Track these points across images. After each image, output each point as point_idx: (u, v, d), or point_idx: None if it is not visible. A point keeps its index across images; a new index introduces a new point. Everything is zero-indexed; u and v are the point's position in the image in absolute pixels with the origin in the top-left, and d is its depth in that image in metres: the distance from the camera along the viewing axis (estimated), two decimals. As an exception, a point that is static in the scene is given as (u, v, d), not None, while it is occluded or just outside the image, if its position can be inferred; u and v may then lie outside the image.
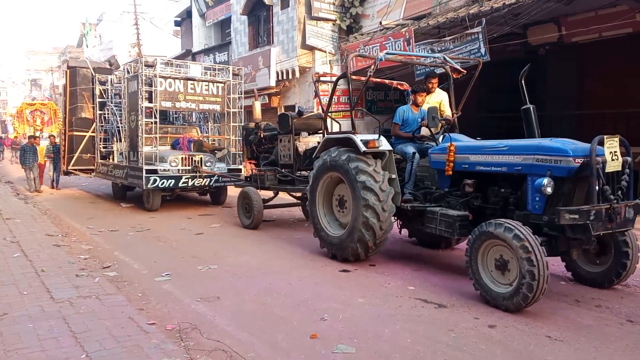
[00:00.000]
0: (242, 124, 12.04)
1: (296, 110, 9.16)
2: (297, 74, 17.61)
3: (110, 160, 13.42)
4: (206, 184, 11.24)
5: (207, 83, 12.07)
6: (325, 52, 17.08)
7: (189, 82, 11.72)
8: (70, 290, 5.37)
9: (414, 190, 6.44)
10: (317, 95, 8.56)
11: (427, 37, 13.17)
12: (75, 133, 14.08)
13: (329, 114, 7.84)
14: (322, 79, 10.05)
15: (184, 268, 6.52)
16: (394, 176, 6.32)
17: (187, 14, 27.40)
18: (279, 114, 9.33)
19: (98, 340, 4.05)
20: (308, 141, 9.03)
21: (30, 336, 4.15)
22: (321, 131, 8.65)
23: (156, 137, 11.13)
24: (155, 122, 11.12)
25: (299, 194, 9.39)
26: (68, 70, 14.72)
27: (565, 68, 13.05)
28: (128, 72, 12.07)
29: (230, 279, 5.99)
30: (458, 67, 7.02)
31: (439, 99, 7.36)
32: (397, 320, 4.59)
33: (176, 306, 5.03)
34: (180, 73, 11.81)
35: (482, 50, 11.34)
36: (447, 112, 7.24)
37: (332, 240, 6.68)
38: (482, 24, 11.20)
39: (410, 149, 6.51)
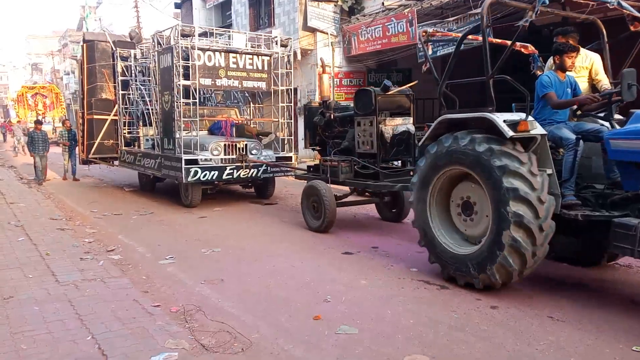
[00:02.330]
0: (306, 102, 10.09)
1: (382, 84, 7.36)
2: (299, 57, 17.48)
3: (138, 148, 11.78)
4: (253, 175, 9.72)
5: (251, 56, 10.27)
6: (327, 33, 16.92)
7: (231, 55, 10.00)
8: (75, 274, 5.41)
9: (576, 190, 4.66)
10: (427, 59, 6.00)
11: (430, 18, 13.02)
12: (95, 116, 12.53)
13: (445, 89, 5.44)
14: (433, 38, 6.94)
15: (188, 251, 6.55)
16: (550, 171, 4.58)
17: (188, -4, 27.08)
18: (358, 89, 7.69)
19: (103, 323, 4.09)
20: (396, 124, 7.29)
21: (36, 318, 4.19)
22: (406, 112, 7.51)
23: (195, 121, 9.59)
24: (194, 103, 9.49)
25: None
26: (85, 45, 12.98)
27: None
28: (159, 43, 10.18)
29: (233, 262, 6.02)
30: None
31: (587, 62, 5.49)
32: (399, 301, 4.62)
33: (180, 289, 5.07)
34: (218, 44, 10.26)
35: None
36: (604, 81, 5.44)
37: (450, 257, 5.01)
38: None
39: (567, 132, 4.71)
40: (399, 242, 6.87)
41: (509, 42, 5.14)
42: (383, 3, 15.10)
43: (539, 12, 4.63)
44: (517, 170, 4.39)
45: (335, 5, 17.16)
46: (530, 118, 4.58)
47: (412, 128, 7.36)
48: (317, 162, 8.54)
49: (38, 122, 14.92)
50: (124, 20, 39.17)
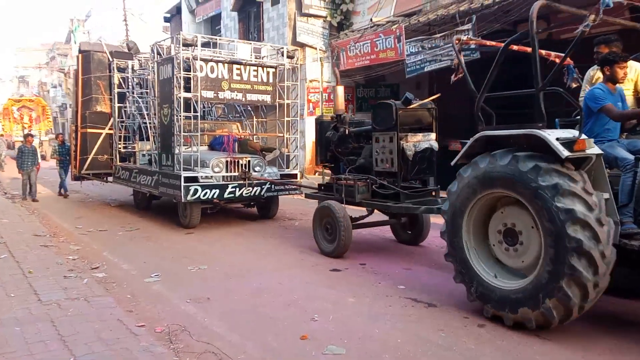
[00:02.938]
0: (317, 116, 9.30)
1: (402, 97, 6.72)
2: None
3: (134, 164, 11.18)
4: (257, 193, 9.17)
5: (255, 67, 9.74)
6: (315, 48, 17.02)
7: (235, 66, 9.47)
8: (59, 292, 5.30)
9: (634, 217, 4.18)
10: (461, 66, 5.36)
11: (418, 34, 13.17)
12: (89, 130, 11.86)
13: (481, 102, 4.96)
14: (466, 45, 6.83)
15: (174, 268, 6.48)
16: (607, 195, 4.13)
17: (177, 10, 27.19)
18: (376, 103, 7.01)
19: (86, 344, 4.00)
20: (417, 140, 6.74)
21: (17, 340, 4.09)
22: (428, 127, 6.95)
23: (196, 136, 9.10)
24: (195, 117, 8.91)
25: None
26: (80, 55, 12.37)
27: (555, 64, 13.07)
28: (159, 53, 9.57)
29: (220, 279, 5.96)
30: None
31: (633, 74, 5.10)
32: (387, 319, 4.60)
33: (166, 307, 5.00)
34: (221, 55, 9.72)
35: (473, 47, 11.35)
36: None
37: (494, 293, 4.41)
38: (473, 21, 11.21)
39: (623, 152, 4.30)
40: (388, 259, 6.85)
41: (543, 52, 4.84)
42: (371, 19, 15.24)
43: (601, 17, 4.20)
44: (571, 189, 3.89)
45: (324, 21, 17.30)
46: (583, 136, 4.11)
47: (435, 145, 6.83)
48: (328, 179, 8.18)
49: (29, 136, 14.03)
50: (112, 33, 39.14)
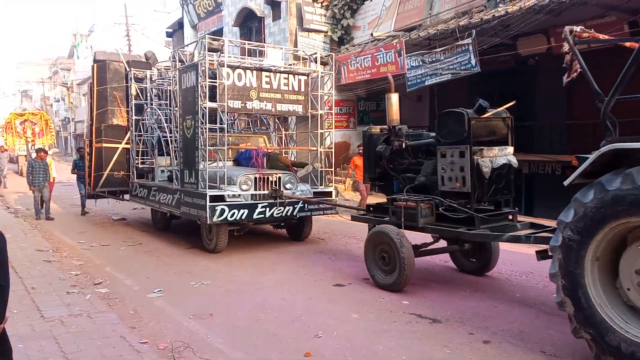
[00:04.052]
0: (365, 128, 7.76)
1: (476, 104, 5.74)
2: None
3: (152, 180, 10.29)
4: (289, 213, 8.25)
5: (286, 75, 8.89)
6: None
7: (264, 73, 8.62)
8: (61, 309, 5.30)
9: None
10: (580, 65, 4.44)
11: (418, 49, 13.27)
12: (104, 145, 11.13)
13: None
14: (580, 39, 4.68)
15: (177, 284, 6.46)
16: None
17: (179, 25, 27.45)
18: (442, 112, 6.09)
19: (89, 361, 4.00)
20: (494, 155, 5.73)
21: (20, 357, 4.08)
22: (503, 139, 6.00)
23: (221, 150, 8.15)
24: (222, 129, 8.10)
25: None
26: (95, 65, 11.62)
27: (555, 78, 13.13)
28: (180, 60, 8.81)
29: (223, 295, 5.95)
30: None
31: None
32: (391, 336, 4.57)
33: (168, 324, 4.98)
34: (249, 61, 8.82)
35: (473, 61, 11.44)
36: None
37: (634, 348, 3.49)
38: (472, 35, 11.30)
39: None
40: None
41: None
42: (372, 34, 15.37)
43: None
44: None
45: (325, 36, 17.46)
46: None
47: (514, 160, 5.88)
48: (379, 200, 7.26)
49: (41, 151, 13.09)
50: (115, 48, 39.43)
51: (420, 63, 12.92)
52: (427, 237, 6.44)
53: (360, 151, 11.24)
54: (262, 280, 6.54)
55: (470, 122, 5.61)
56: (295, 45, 17.17)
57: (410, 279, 5.84)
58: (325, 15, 17.43)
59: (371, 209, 6.90)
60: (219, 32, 22.81)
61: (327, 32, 17.40)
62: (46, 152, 13.23)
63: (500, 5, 11.50)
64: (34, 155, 14.90)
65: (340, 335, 4.61)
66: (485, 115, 5.80)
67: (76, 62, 48.53)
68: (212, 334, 4.70)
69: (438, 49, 12.41)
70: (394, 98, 6.75)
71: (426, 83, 12.97)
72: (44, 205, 12.33)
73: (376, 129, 7.36)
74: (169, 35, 29.73)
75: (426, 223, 5.86)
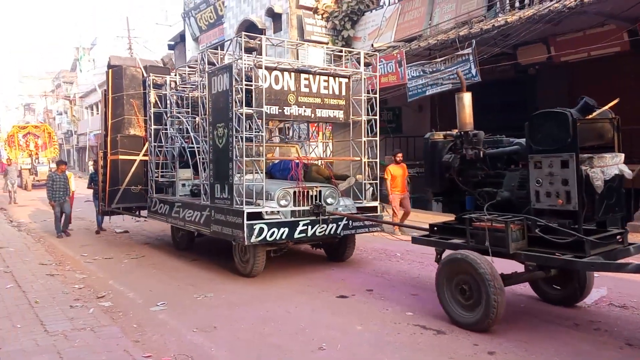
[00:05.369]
0: (428, 134, 6.49)
1: (580, 103, 4.88)
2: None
3: (174, 195, 9.36)
4: (332, 231, 7.36)
5: (326, 77, 8.03)
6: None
7: (303, 75, 7.80)
8: (65, 323, 5.29)
9: None
10: None
11: (419, 59, 13.34)
12: (121, 157, 10.34)
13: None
14: None
15: (180, 296, 6.46)
16: None
17: (181, 38, 27.64)
18: (536, 112, 5.00)
19: (93, 376, 3.99)
20: (605, 165, 4.78)
21: (23, 373, 4.08)
22: (609, 144, 5.07)
23: (259, 162, 7.34)
24: (258, 138, 7.34)
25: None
26: (110, 71, 10.91)
27: (555, 87, 13.22)
28: (210, 63, 8.06)
29: (226, 307, 5.94)
30: None
31: None
32: (396, 348, 4.56)
33: (172, 337, 4.97)
34: (285, 62, 7.99)
35: (473, 71, 11.49)
36: None
37: None
38: (473, 45, 11.37)
39: None
40: (394, 285, 6.81)
41: None
42: (372, 45, 15.45)
43: None
44: None
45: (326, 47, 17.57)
46: None
47: (626, 170, 4.95)
48: (446, 219, 6.46)
49: (61, 163, 12.26)
50: (130, 53, 39.71)
51: (421, 73, 12.98)
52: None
53: (397, 159, 10.90)
54: (265, 292, 6.53)
55: (576, 125, 4.62)
56: (297, 57, 17.28)
57: (500, 316, 4.75)
58: (325, 27, 17.56)
59: (435, 229, 5.91)
60: (220, 46, 22.97)
61: (327, 43, 17.50)
62: (65, 164, 12.60)
63: (499, 15, 11.58)
64: (37, 166, 14.10)
65: (344, 347, 4.60)
66: (591, 116, 4.88)
67: (79, 75, 48.87)
68: (215, 346, 4.69)
69: (438, 59, 12.49)
70: (467, 98, 5.69)
71: (427, 93, 13.03)
72: (64, 220, 11.79)
73: (439, 135, 6.30)
74: (170, 47, 29.92)
75: (518, 248, 4.83)
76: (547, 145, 4.78)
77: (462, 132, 5.73)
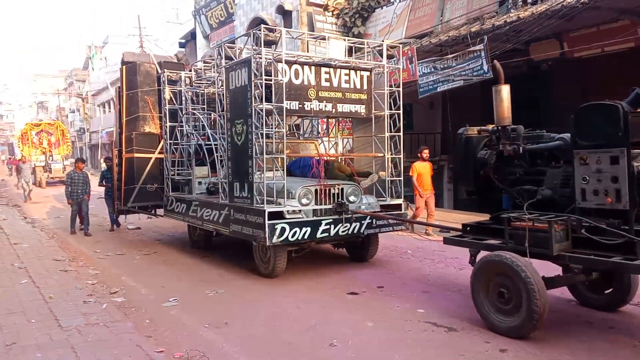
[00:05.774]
0: (461, 130, 6.11)
1: (631, 95, 4.63)
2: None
3: (190, 194, 9.18)
4: (355, 230, 7.13)
5: (347, 71, 7.69)
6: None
7: (323, 69, 7.48)
8: (78, 318, 5.36)
9: None
10: None
11: (430, 55, 13.25)
12: (136, 155, 10.19)
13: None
14: None
15: (192, 293, 6.50)
16: None
17: (192, 36, 27.74)
18: (582, 105, 4.73)
19: (106, 370, 4.03)
20: None
21: (38, 367, 4.14)
22: None
23: (278, 159, 7.00)
24: (278, 135, 7.17)
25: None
26: (124, 67, 10.73)
27: (568, 83, 13.07)
28: (227, 57, 7.77)
29: (238, 304, 5.97)
30: None
31: None
32: (407, 345, 4.55)
33: (184, 333, 5.01)
34: (302, 55, 7.73)
35: (485, 67, 11.39)
36: None
37: None
38: (484, 41, 11.26)
39: None
40: (405, 282, 6.80)
41: None
42: (383, 41, 15.39)
43: None
44: None
45: (336, 44, 17.51)
46: None
47: None
48: (479, 219, 6.13)
49: (80, 160, 12.18)
50: (144, 50, 39.95)
51: (432, 69, 12.89)
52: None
53: (423, 155, 10.57)
54: (276, 289, 6.55)
55: (628, 118, 4.32)
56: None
57: (543, 320, 4.49)
58: (336, 24, 17.49)
59: (468, 229, 5.63)
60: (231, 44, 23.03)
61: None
62: (84, 162, 12.39)
63: (512, 10, 11.47)
64: (51, 164, 13.80)
65: (355, 344, 4.60)
66: None
67: (91, 74, 49.19)
68: (227, 343, 4.72)
69: (450, 55, 12.39)
70: (505, 91, 5.37)
71: (438, 89, 12.94)
72: (82, 220, 11.61)
73: (473, 130, 5.95)
74: (181, 45, 30.04)
75: (562, 250, 4.54)
76: (595, 140, 4.47)
77: (500, 127, 5.39)
